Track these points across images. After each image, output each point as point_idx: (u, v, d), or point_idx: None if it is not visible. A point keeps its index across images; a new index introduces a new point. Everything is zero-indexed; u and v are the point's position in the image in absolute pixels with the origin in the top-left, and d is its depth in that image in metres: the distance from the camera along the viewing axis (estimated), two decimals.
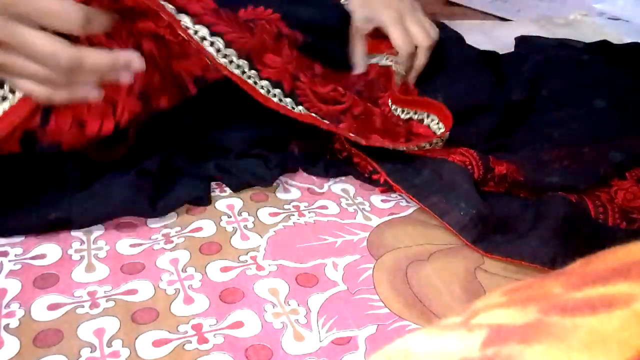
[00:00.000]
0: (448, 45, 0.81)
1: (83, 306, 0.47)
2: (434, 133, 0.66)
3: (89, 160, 0.58)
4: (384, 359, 0.24)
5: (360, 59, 0.72)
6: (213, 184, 0.63)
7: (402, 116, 0.68)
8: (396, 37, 0.70)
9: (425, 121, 0.67)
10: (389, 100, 0.69)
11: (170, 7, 0.53)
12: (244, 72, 0.58)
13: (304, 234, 0.58)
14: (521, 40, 0.92)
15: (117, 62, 0.45)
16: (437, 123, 0.66)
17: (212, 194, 0.62)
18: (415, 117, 0.68)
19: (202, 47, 0.55)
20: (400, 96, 0.68)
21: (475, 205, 0.58)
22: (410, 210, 0.62)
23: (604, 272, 0.23)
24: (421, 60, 0.72)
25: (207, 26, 0.55)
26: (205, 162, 0.63)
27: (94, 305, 0.47)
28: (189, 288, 0.50)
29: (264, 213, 0.60)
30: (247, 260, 0.54)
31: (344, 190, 0.65)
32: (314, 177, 0.66)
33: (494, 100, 0.71)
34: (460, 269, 0.55)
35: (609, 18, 1.15)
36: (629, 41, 0.93)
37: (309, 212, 0.61)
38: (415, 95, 0.70)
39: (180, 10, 0.54)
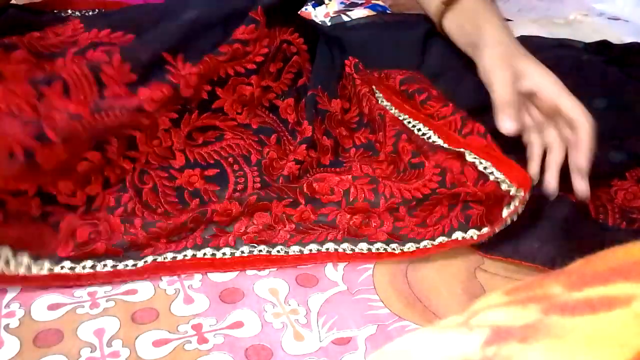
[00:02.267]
0: (451, 46, 0.81)
1: (83, 306, 0.47)
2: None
3: None
4: (384, 359, 0.24)
5: (514, 122, 0.56)
6: None
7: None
8: (575, 106, 0.55)
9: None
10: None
11: None
12: None
13: None
14: (521, 40, 0.92)
15: None
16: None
17: None
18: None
19: None
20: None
21: None
22: None
23: (604, 272, 0.23)
24: (588, 145, 0.55)
25: None
26: None
27: (94, 305, 0.47)
28: (189, 288, 0.50)
29: None
30: None
31: None
32: None
33: (488, 102, 0.71)
34: (460, 269, 0.55)
35: (609, 18, 1.15)
36: (629, 41, 0.92)
37: None
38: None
39: None
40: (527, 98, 0.59)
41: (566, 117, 0.56)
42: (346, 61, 0.71)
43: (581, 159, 0.55)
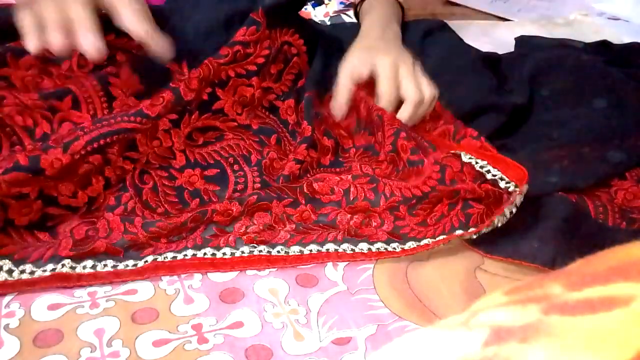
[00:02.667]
0: (448, 48, 0.81)
1: (83, 306, 0.47)
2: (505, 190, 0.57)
3: None
4: (384, 359, 0.24)
5: (343, 105, 0.66)
6: None
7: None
8: (383, 82, 0.65)
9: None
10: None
11: None
12: None
13: None
14: (521, 40, 0.92)
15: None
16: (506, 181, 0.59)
17: None
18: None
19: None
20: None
21: None
22: None
23: (604, 272, 0.23)
24: (403, 114, 0.64)
25: None
26: None
27: (94, 305, 0.47)
28: (189, 288, 0.50)
29: None
30: None
31: None
32: None
33: (494, 103, 0.71)
34: (460, 269, 0.55)
35: (609, 18, 1.15)
36: (629, 41, 0.92)
37: None
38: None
39: None
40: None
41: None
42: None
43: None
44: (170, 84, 0.58)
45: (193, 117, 0.60)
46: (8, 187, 0.48)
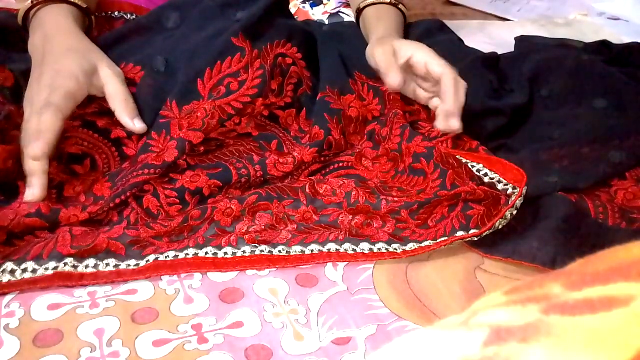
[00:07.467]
0: (448, 50, 0.81)
1: (83, 306, 0.47)
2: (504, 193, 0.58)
3: None
4: (384, 359, 0.24)
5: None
6: None
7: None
8: (437, 63, 0.63)
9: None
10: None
11: None
12: None
13: None
14: (521, 40, 0.92)
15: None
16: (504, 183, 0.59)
17: None
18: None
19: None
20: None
21: None
22: None
23: (604, 272, 0.23)
24: (449, 78, 0.62)
25: None
26: None
27: (94, 305, 0.47)
28: (189, 288, 0.50)
29: None
30: None
31: None
32: None
33: (495, 106, 0.71)
34: (460, 269, 0.55)
35: (609, 18, 1.15)
36: (629, 41, 0.92)
37: None
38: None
39: None
40: (410, 72, 0.67)
41: (433, 74, 0.63)
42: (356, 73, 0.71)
43: (448, 104, 0.62)
44: (172, 135, 0.58)
45: None
46: (25, 227, 0.51)
